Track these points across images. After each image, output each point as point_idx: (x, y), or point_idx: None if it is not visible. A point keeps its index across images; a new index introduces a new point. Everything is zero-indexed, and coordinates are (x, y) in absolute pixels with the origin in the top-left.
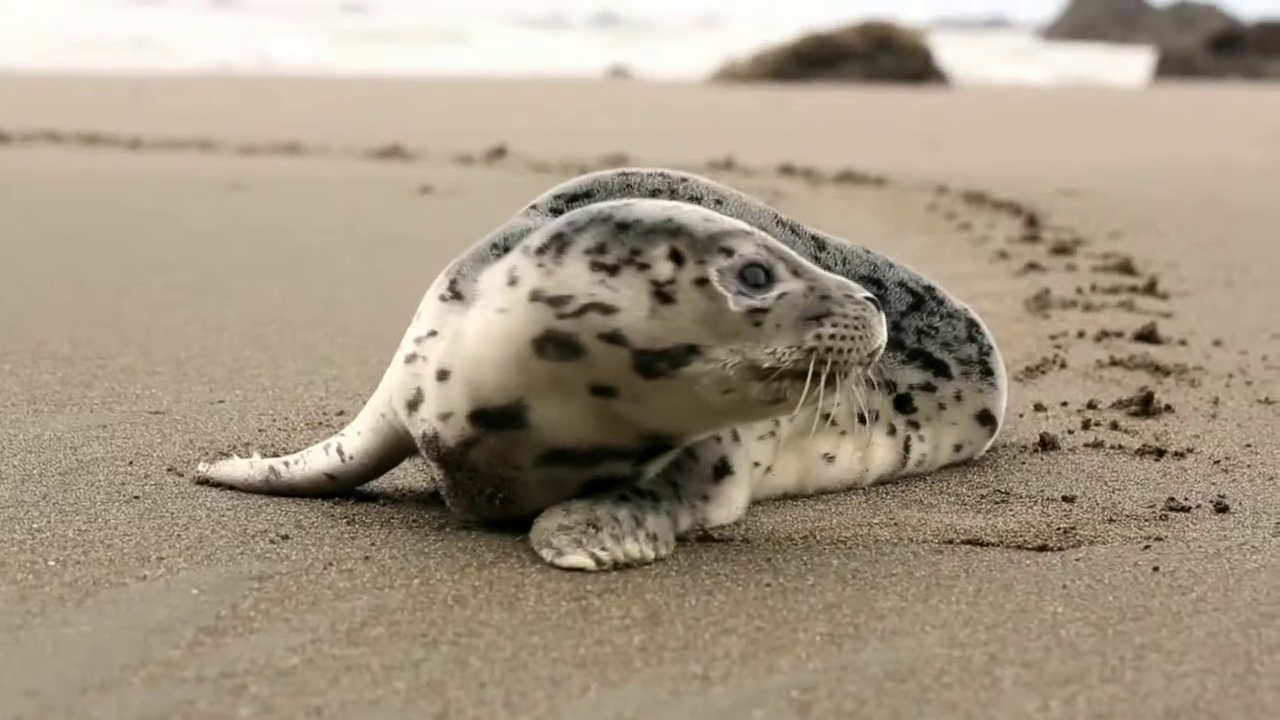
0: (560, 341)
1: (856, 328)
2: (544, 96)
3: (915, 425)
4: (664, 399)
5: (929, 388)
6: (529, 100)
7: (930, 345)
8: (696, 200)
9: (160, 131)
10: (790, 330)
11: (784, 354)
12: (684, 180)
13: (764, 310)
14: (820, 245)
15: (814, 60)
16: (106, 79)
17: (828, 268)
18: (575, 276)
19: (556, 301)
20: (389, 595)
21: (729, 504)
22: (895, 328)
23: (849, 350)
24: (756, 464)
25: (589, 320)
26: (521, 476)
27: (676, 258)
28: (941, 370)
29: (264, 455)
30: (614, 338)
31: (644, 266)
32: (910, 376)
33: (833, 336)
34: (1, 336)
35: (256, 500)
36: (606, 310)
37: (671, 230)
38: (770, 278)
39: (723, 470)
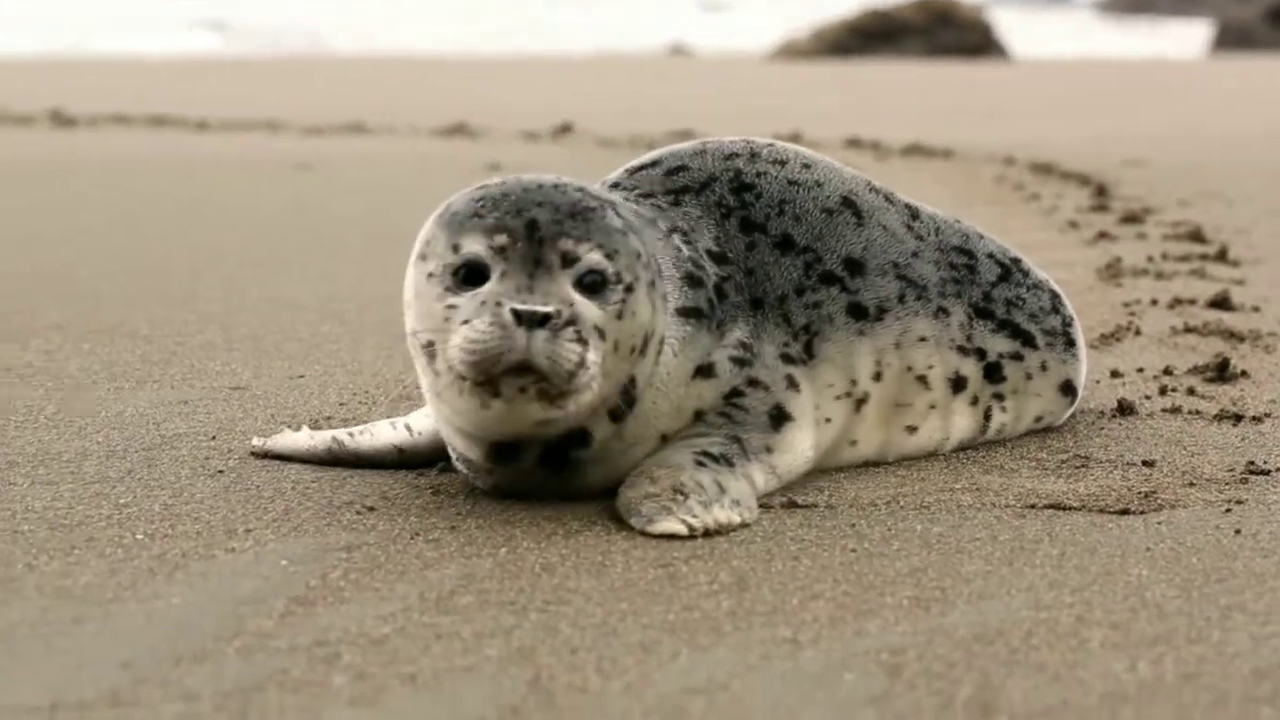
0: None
1: (486, 339)
2: (607, 73)
3: (1000, 397)
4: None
5: (1017, 356)
6: (592, 76)
7: (1018, 316)
8: (781, 164)
9: (226, 113)
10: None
11: (450, 356)
12: (770, 145)
13: (454, 308)
14: (914, 214)
15: (874, 35)
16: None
17: (920, 237)
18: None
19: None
20: (477, 564)
21: (793, 450)
22: (985, 298)
23: (480, 359)
24: (829, 420)
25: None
26: None
27: (422, 253)
28: (1028, 341)
29: (315, 428)
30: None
31: (422, 257)
32: (1000, 345)
33: (464, 343)
34: (81, 316)
35: (340, 473)
36: (406, 300)
37: (435, 223)
38: (483, 278)
39: (780, 418)
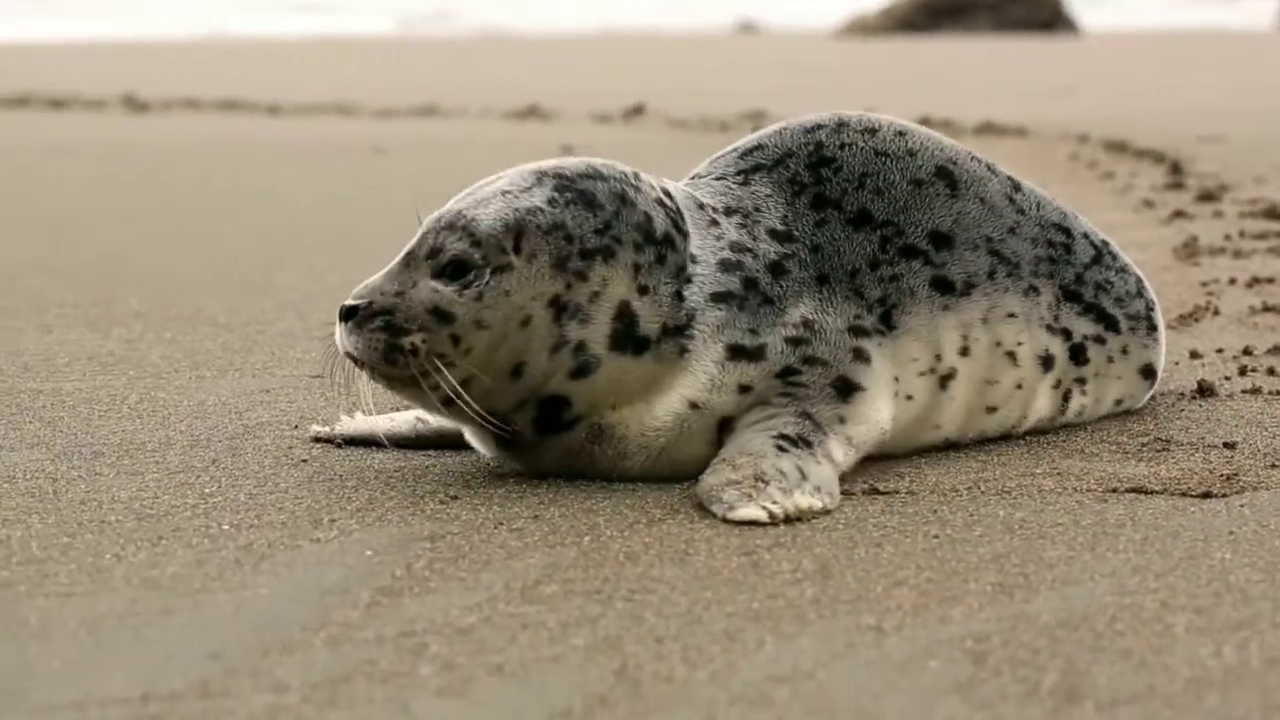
0: None
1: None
2: (676, 53)
3: (1081, 380)
4: None
5: (1100, 340)
6: (661, 57)
7: (1105, 300)
8: (871, 132)
9: (297, 97)
10: None
11: None
12: (862, 116)
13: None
14: (1016, 187)
15: (942, 11)
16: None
17: (1022, 211)
18: None
19: None
20: (561, 553)
21: (867, 420)
22: (1077, 280)
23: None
24: (910, 397)
25: None
26: None
27: None
28: (1111, 324)
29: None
30: None
31: None
32: (1085, 327)
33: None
34: (160, 304)
35: (423, 462)
36: None
37: None
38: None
39: (847, 389)
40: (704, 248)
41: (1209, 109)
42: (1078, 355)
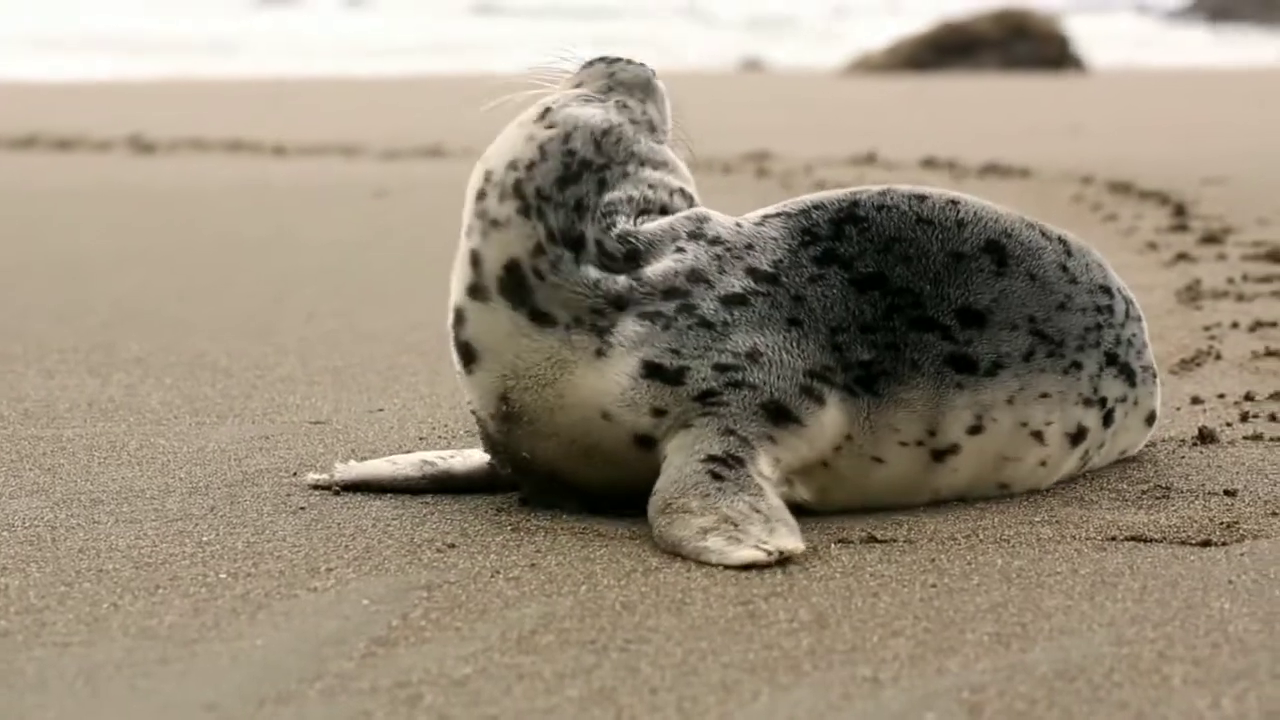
0: None
1: None
2: (681, 91)
3: (1101, 445)
4: None
5: (1124, 399)
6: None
7: (1131, 356)
8: (920, 199)
9: (302, 137)
10: None
11: None
12: (920, 189)
13: None
14: (1068, 250)
15: (949, 49)
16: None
17: (1074, 279)
18: None
19: None
20: (557, 602)
21: (797, 452)
22: (1117, 341)
23: None
24: (879, 460)
25: None
26: None
27: None
28: (1132, 380)
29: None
30: None
31: None
32: (1117, 390)
33: None
34: (161, 349)
35: (420, 509)
36: None
37: None
38: None
39: (781, 414)
40: (658, 271)
41: (1214, 149)
42: (1109, 420)
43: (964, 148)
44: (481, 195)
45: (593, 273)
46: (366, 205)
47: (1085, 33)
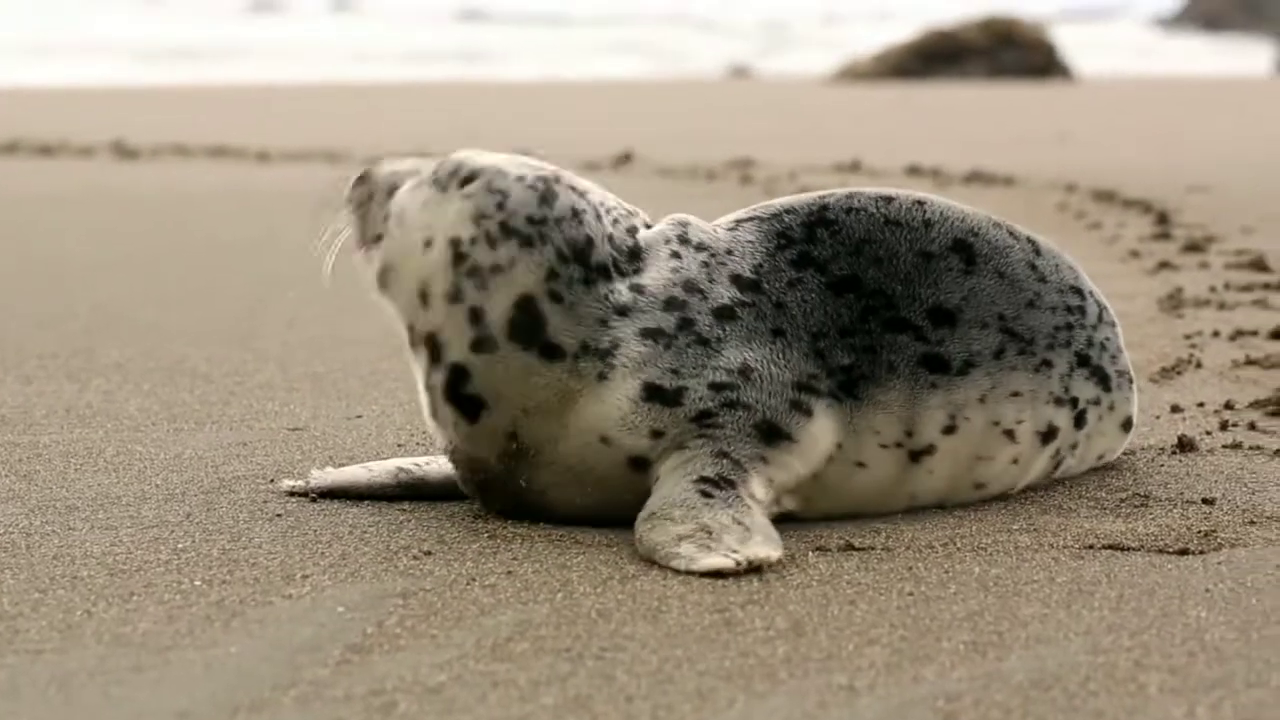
0: None
1: None
2: (666, 99)
3: (1075, 445)
4: None
5: (1097, 401)
6: (651, 103)
7: (1105, 359)
8: (886, 201)
9: (286, 143)
10: None
11: None
12: (888, 191)
13: None
14: (1036, 250)
15: (936, 57)
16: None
17: (1043, 278)
18: None
19: None
20: (533, 610)
21: (790, 469)
22: (1089, 343)
23: None
24: (862, 464)
25: None
26: None
27: None
28: (1106, 383)
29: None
30: None
31: None
32: (1089, 391)
33: None
34: (140, 355)
35: (397, 516)
36: None
37: None
38: None
39: (774, 434)
40: (657, 280)
41: (1198, 158)
42: (1080, 420)
43: (949, 155)
44: (459, 259)
45: (602, 287)
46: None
47: (1072, 41)
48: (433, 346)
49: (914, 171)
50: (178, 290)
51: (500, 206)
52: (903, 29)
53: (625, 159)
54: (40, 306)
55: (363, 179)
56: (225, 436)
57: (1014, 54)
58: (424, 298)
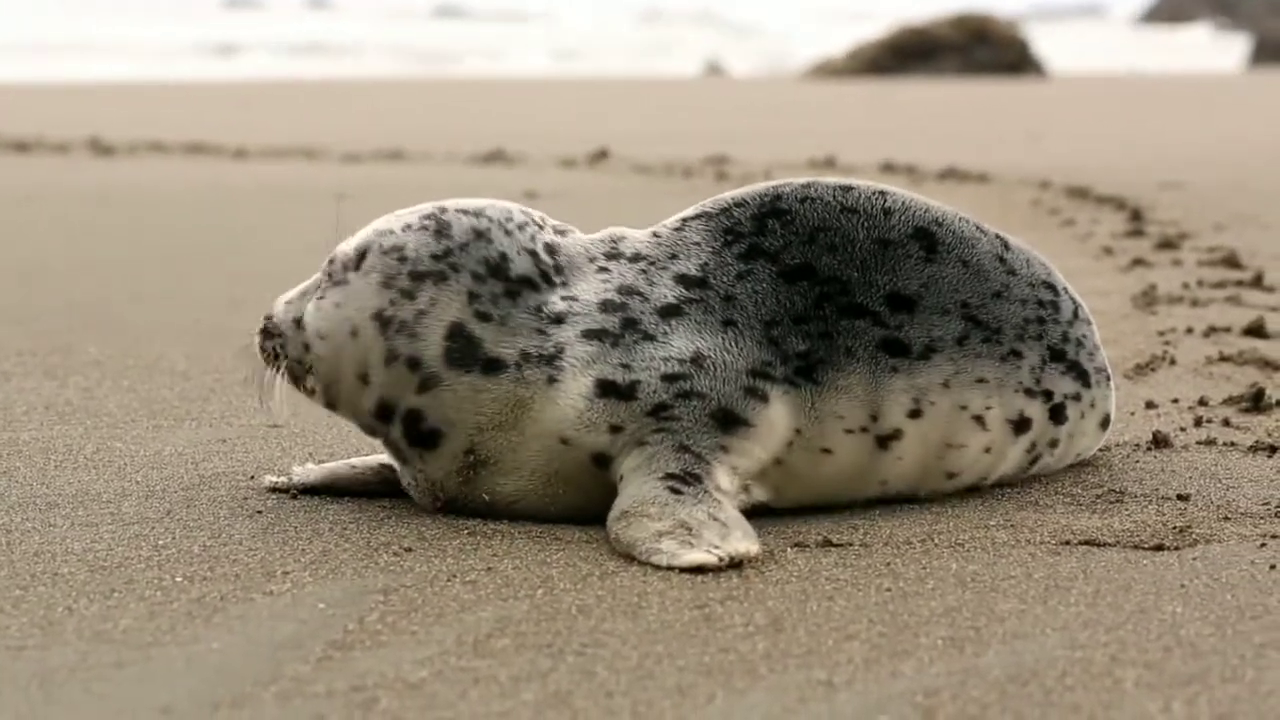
0: None
1: None
2: (642, 96)
3: (1054, 442)
4: None
5: (1077, 397)
6: (627, 100)
7: (1082, 355)
8: (844, 190)
9: (263, 140)
10: None
11: None
12: (847, 180)
13: None
14: (1006, 245)
15: (909, 54)
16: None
17: (1012, 270)
18: None
19: None
20: (514, 606)
21: (750, 455)
22: (1063, 338)
23: None
24: (827, 450)
25: None
26: None
27: None
28: (1085, 379)
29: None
30: None
31: None
32: (1066, 386)
33: None
34: (120, 352)
35: (378, 512)
36: None
37: None
38: None
39: (730, 421)
40: (587, 290)
41: (1171, 154)
42: (1057, 414)
43: (923, 152)
44: (385, 325)
45: (531, 298)
46: (326, 209)
47: (1045, 38)
48: (385, 412)
49: (889, 168)
50: (155, 287)
51: (402, 260)
52: (874, 26)
53: (601, 156)
54: (16, 303)
55: (266, 331)
56: (205, 433)
57: (987, 51)
58: (363, 378)
